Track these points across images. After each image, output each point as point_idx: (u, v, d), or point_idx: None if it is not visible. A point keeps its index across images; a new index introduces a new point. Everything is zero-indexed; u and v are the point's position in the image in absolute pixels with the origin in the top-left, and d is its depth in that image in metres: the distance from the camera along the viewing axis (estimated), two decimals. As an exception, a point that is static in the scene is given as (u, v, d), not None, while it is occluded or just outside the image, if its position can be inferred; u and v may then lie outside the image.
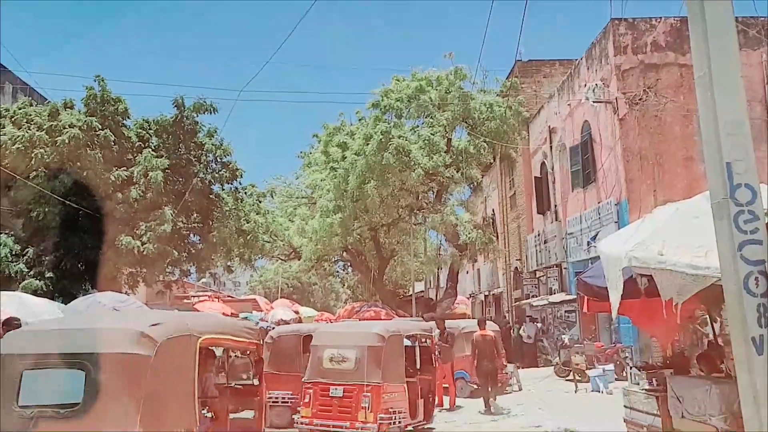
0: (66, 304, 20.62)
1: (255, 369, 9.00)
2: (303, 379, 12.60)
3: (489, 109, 28.96)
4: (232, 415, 8.56)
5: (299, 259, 38.10)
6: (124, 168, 24.17)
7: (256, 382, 9.23)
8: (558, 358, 23.72)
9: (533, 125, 32.60)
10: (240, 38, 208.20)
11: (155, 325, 6.45)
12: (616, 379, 19.56)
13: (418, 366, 13.87)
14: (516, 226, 36.06)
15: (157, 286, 29.81)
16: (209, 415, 7.35)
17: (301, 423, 12.34)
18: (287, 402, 14.96)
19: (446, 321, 22.40)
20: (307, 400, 12.27)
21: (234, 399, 8.77)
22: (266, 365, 13.15)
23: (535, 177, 32.51)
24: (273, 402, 14.82)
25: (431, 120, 29.53)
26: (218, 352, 9.57)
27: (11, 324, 8.91)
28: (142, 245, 23.41)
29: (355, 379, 11.92)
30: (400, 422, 12.26)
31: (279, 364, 15.47)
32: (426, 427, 13.84)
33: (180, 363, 6.46)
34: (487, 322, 19.48)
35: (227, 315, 28.90)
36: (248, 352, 8.82)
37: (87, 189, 23.46)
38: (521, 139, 31.50)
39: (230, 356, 9.29)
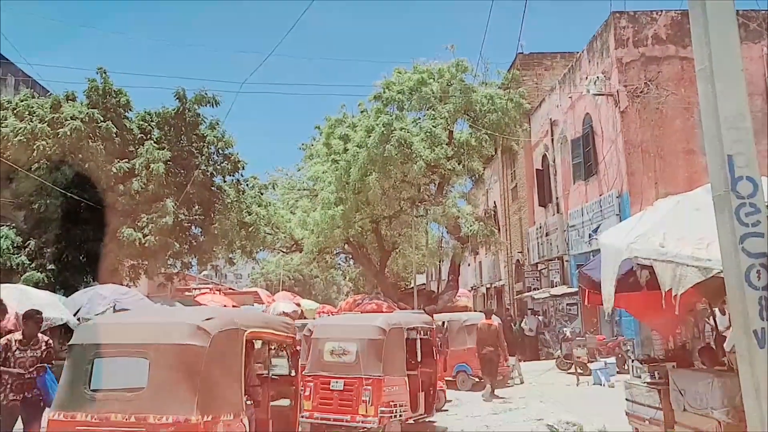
0: (67, 297, 20.67)
1: (291, 361, 9.53)
2: (303, 372, 12.25)
3: (490, 102, 28.93)
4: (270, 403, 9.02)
5: (301, 252, 38.12)
6: (126, 160, 24.16)
7: (292, 372, 9.71)
8: (560, 351, 23.73)
9: (535, 118, 32.59)
10: (242, 30, 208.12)
11: (209, 319, 7.18)
12: (618, 372, 19.56)
13: (419, 359, 13.75)
14: (517, 218, 36.08)
15: (159, 278, 29.85)
16: (249, 402, 7.72)
17: (302, 416, 11.86)
18: None
19: (448, 314, 22.43)
20: (307, 394, 12.19)
21: (272, 388, 9.18)
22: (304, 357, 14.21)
23: (537, 169, 32.51)
24: None
25: (433, 112, 29.52)
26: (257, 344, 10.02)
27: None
28: (143, 237, 23.42)
29: (356, 373, 11.89)
30: (401, 416, 12.23)
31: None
32: (427, 420, 13.80)
33: (229, 354, 7.12)
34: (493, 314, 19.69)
35: (228, 307, 29.04)
36: (285, 345, 9.33)
37: (89, 181, 23.46)
38: (523, 132, 31.49)
39: (271, 348, 9.69)
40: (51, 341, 9.29)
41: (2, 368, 8.68)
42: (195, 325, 6.94)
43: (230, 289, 54.09)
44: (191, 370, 6.67)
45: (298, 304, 34.91)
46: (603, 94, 23.79)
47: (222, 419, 6.70)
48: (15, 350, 8.76)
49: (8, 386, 8.68)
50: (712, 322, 10.62)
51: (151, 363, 6.74)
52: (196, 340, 6.82)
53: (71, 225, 23.68)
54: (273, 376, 9.58)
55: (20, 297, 17.59)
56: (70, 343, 7.40)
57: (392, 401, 11.95)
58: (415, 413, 12.87)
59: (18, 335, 9.03)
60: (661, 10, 23.44)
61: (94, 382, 6.91)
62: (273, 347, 9.68)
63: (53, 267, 23.28)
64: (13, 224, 24.24)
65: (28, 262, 23.09)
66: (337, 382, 12.02)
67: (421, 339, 14.04)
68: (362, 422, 11.61)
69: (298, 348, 9.80)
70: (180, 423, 6.37)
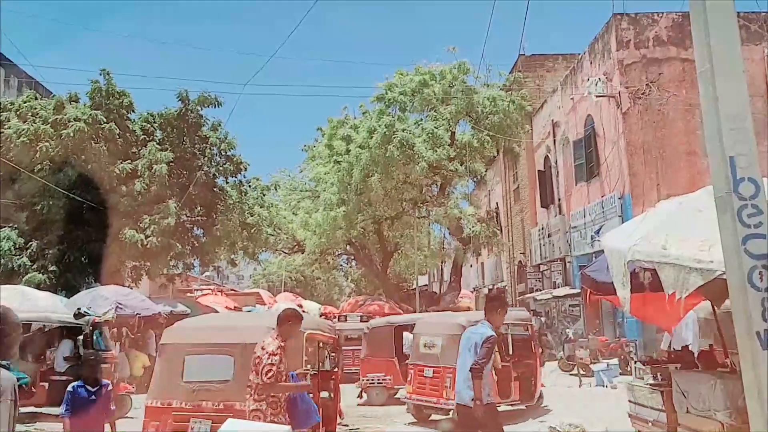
0: (69, 298, 20.67)
1: (335, 357, 10.84)
2: (407, 362, 15.49)
3: (492, 103, 28.95)
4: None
5: (303, 253, 38.18)
6: (129, 161, 24.18)
7: (334, 369, 10.85)
8: (562, 352, 23.73)
9: (536, 119, 32.59)
10: (244, 32, 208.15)
11: None
12: (621, 374, 19.53)
13: (510, 351, 15.47)
14: (520, 219, 36.07)
15: (161, 279, 29.89)
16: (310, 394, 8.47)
17: (405, 397, 15.23)
18: (382, 383, 17.90)
19: (450, 314, 22.40)
20: (409, 379, 14.86)
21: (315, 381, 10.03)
22: (363, 352, 18.82)
23: (539, 171, 32.49)
24: (370, 383, 18.00)
25: (435, 114, 29.55)
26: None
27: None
28: (145, 238, 23.44)
29: (441, 362, 13.76)
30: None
31: (375, 351, 18.58)
32: (524, 407, 15.17)
33: (295, 351, 8.07)
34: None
35: (230, 309, 29.05)
36: (328, 344, 10.31)
37: (91, 182, 23.49)
38: (524, 133, 31.49)
39: (320, 346, 10.43)
40: None
41: None
42: (272, 328, 7.61)
43: (232, 290, 54.07)
44: None
45: (300, 306, 34.88)
46: (604, 96, 23.80)
47: None
48: None
49: None
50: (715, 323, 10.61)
51: (236, 359, 7.93)
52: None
53: (73, 226, 23.70)
54: (315, 371, 10.19)
55: (22, 298, 17.64)
56: (162, 342, 8.86)
57: None
58: (507, 399, 14.41)
59: None
60: (662, 12, 23.46)
61: (187, 375, 8.15)
62: (320, 345, 10.41)
63: (55, 268, 23.29)
64: (16, 225, 24.25)
65: (29, 264, 23.10)
66: (428, 370, 14.14)
67: (515, 333, 16.10)
68: (444, 405, 13.51)
69: (338, 346, 11.06)
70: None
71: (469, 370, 7.71)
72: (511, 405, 14.79)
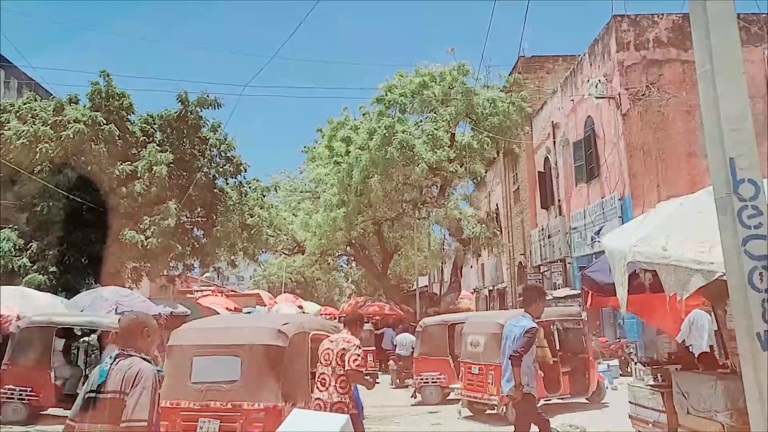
0: (69, 299, 20.69)
1: None
2: (459, 359, 16.18)
3: (492, 105, 28.97)
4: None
5: (303, 254, 38.17)
6: (129, 162, 24.19)
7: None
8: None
9: (536, 120, 32.58)
10: (244, 33, 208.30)
11: (285, 324, 8.85)
12: (621, 375, 19.52)
13: (557, 347, 16.01)
14: (520, 220, 36.06)
15: (161, 280, 29.90)
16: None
17: (459, 393, 15.80)
18: (437, 382, 17.98)
19: (450, 314, 22.41)
20: (460, 376, 15.71)
21: None
22: (417, 351, 19.09)
23: (539, 172, 32.48)
24: (424, 382, 18.13)
25: (435, 115, 29.57)
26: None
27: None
28: (145, 239, 23.43)
29: (484, 360, 14.49)
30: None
31: (428, 349, 18.59)
32: (575, 400, 15.69)
33: (301, 351, 8.71)
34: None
35: (230, 310, 29.06)
36: None
37: (91, 183, 23.50)
38: (524, 135, 31.49)
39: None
40: None
41: None
42: (276, 329, 8.50)
43: (232, 291, 54.14)
44: (275, 366, 8.24)
45: (301, 307, 34.97)
46: (605, 97, 23.79)
47: (297, 406, 7.89)
48: None
49: None
50: (715, 324, 10.62)
51: (243, 360, 8.26)
52: (278, 341, 8.42)
53: (73, 227, 23.71)
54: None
55: (22, 299, 17.66)
56: (169, 344, 9.04)
57: None
58: (553, 393, 15.08)
59: None
60: (662, 14, 23.46)
61: (194, 376, 8.44)
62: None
63: (55, 269, 23.31)
64: (16, 227, 24.28)
65: (30, 265, 23.11)
66: (474, 367, 14.88)
67: (564, 330, 16.96)
68: (488, 400, 14.24)
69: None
70: (269, 409, 7.84)
71: (509, 358, 8.16)
72: (561, 398, 15.40)
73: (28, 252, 23.53)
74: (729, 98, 5.04)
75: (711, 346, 11.48)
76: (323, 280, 68.32)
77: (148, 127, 26.32)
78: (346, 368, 7.66)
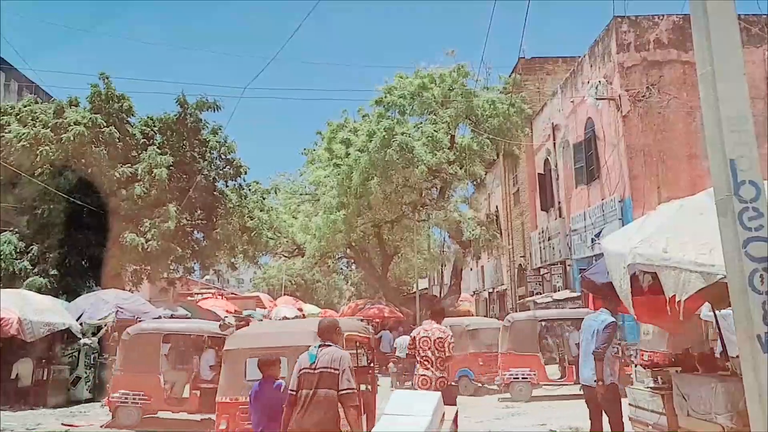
0: (70, 302, 20.71)
1: (368, 355, 11.98)
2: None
3: (492, 106, 28.93)
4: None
5: (303, 256, 38.15)
6: (129, 165, 24.21)
7: (371, 364, 12.02)
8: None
9: (536, 122, 32.55)
10: (244, 35, 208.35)
11: None
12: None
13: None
14: (520, 222, 36.02)
15: (161, 283, 29.89)
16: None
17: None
18: (527, 378, 18.00)
19: (450, 319, 22.41)
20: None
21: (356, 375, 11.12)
22: (504, 347, 18.73)
23: (539, 174, 32.44)
24: (513, 378, 18.02)
25: (434, 117, 29.52)
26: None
27: (227, 327, 12.17)
28: (146, 242, 23.45)
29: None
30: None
31: (517, 345, 18.48)
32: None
33: None
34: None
35: (230, 313, 29.03)
36: (363, 343, 11.61)
37: (91, 186, 23.53)
38: (524, 136, 31.41)
39: (357, 345, 11.84)
40: None
41: None
42: (314, 332, 8.81)
43: (232, 293, 54.10)
44: None
45: (300, 309, 34.94)
46: (605, 99, 23.75)
47: None
48: None
49: None
50: (715, 326, 10.60)
51: (288, 359, 8.87)
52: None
53: (74, 230, 23.73)
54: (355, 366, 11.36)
55: (23, 302, 17.66)
56: (225, 348, 10.38)
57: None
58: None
59: None
60: (663, 15, 23.42)
61: (248, 374, 9.57)
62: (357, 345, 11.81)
63: (56, 272, 23.33)
64: (16, 229, 24.29)
65: (30, 268, 23.13)
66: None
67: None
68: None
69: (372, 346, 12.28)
70: None
71: (591, 354, 8.63)
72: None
73: (29, 255, 23.55)
74: (730, 100, 5.03)
75: (711, 348, 11.48)
76: (323, 283, 68.38)
77: (148, 129, 26.35)
78: (440, 355, 9.97)
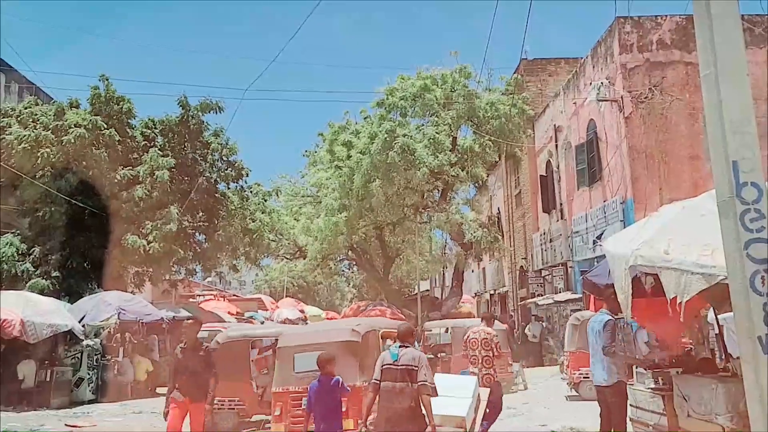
0: (72, 304, 20.73)
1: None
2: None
3: (494, 108, 28.91)
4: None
5: (304, 258, 38.07)
6: (130, 167, 24.23)
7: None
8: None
9: (538, 124, 32.53)
10: (245, 37, 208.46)
11: (358, 324, 11.73)
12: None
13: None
14: (521, 224, 35.99)
15: (163, 284, 29.92)
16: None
17: None
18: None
19: (452, 320, 22.38)
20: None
21: None
22: (573, 345, 18.78)
23: (541, 175, 32.41)
24: (584, 377, 17.25)
25: (436, 119, 29.51)
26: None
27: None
28: (147, 244, 23.47)
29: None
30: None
31: (586, 344, 18.29)
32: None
33: (372, 345, 11.27)
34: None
35: (232, 314, 29.04)
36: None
37: (93, 188, 23.54)
38: (526, 138, 31.38)
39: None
40: None
41: None
42: (351, 329, 11.33)
43: (234, 295, 54.00)
44: (354, 355, 10.75)
45: (302, 311, 34.89)
46: (607, 100, 23.70)
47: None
48: None
49: None
50: (716, 327, 10.59)
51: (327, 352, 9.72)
52: (354, 337, 11.03)
53: (76, 232, 23.74)
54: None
55: (25, 304, 17.68)
56: (278, 346, 11.73)
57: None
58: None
59: None
60: (666, 15, 23.37)
61: (297, 367, 10.96)
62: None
63: (58, 274, 23.34)
64: (18, 231, 24.31)
65: (33, 269, 23.14)
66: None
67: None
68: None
69: None
70: (354, 386, 9.75)
71: (604, 354, 9.00)
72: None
73: (31, 257, 23.56)
74: (732, 101, 5.03)
75: (712, 350, 11.47)
76: (325, 285, 68.27)
77: (149, 131, 26.35)
78: (487, 353, 11.97)
